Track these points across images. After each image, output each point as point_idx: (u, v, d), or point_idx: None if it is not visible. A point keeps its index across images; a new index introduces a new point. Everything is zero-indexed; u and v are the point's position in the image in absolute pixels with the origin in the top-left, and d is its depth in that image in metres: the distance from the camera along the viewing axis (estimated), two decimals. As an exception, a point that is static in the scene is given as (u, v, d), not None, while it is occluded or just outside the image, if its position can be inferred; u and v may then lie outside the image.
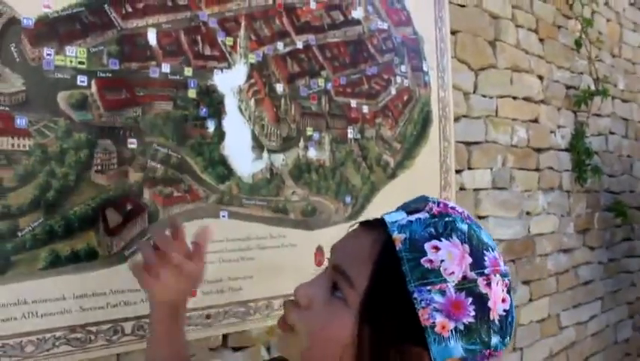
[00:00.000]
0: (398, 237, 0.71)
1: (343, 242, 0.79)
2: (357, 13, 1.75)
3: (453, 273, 0.68)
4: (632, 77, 3.52)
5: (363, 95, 1.76)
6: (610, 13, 3.32)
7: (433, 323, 0.67)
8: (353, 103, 1.73)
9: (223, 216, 1.42)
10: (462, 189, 2.15)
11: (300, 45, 1.59)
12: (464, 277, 0.68)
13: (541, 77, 2.66)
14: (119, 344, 1.26)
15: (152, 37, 1.31)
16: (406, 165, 1.89)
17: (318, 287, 0.77)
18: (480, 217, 2.22)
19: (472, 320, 0.67)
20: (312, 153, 1.62)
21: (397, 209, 0.78)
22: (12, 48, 1.13)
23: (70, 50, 1.19)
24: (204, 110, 1.39)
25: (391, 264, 0.70)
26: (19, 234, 1.12)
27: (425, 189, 1.85)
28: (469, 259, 0.69)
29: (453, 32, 2.12)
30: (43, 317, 1.15)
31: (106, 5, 1.25)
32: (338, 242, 0.80)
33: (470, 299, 0.67)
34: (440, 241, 0.69)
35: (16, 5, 1.13)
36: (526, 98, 2.55)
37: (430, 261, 0.68)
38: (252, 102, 1.48)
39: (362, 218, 1.61)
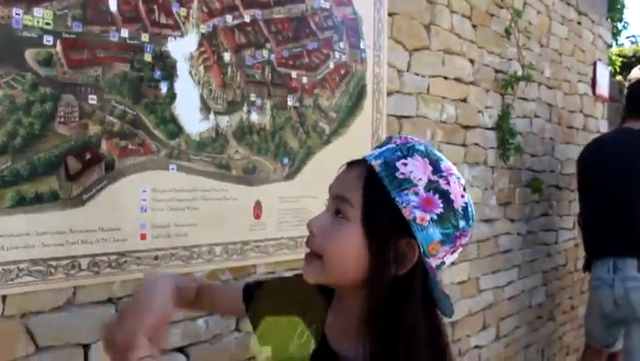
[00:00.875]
0: (375, 163, 0.92)
1: (337, 180, 0.98)
2: (301, -8, 1.91)
3: (420, 179, 0.89)
4: (558, 66, 3.72)
5: (304, 67, 1.92)
6: (540, 6, 3.50)
7: (414, 217, 0.88)
8: (294, 74, 1.89)
9: (172, 169, 1.58)
10: (392, 158, 2.32)
11: (247, 19, 1.75)
12: (429, 180, 0.89)
13: (472, 61, 2.83)
14: (75, 278, 1.40)
15: (113, 3, 1.44)
16: (340, 132, 2.06)
17: (324, 217, 0.96)
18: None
19: (441, 210, 0.89)
20: (255, 117, 1.78)
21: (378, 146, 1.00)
22: (-17, 7, 1.25)
23: (38, 12, 1.32)
24: (158, 73, 1.54)
25: (375, 182, 0.90)
26: (-11, 174, 1.26)
27: (357, 156, 2.04)
28: (430, 167, 0.90)
29: (390, 14, 2.28)
30: (8, 250, 1.29)
31: (72, -29, 1.38)
32: (333, 182, 0.99)
33: (437, 195, 0.89)
34: (406, 158, 0.91)
35: (-13, -35, 1.25)
36: (456, 79, 2.72)
37: (403, 173, 0.89)
38: (201, 68, 1.64)
39: (298, 178, 1.82)
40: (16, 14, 1.29)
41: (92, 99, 1.41)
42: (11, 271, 1.30)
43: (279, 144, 1.85)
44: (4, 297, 1.30)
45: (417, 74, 2.46)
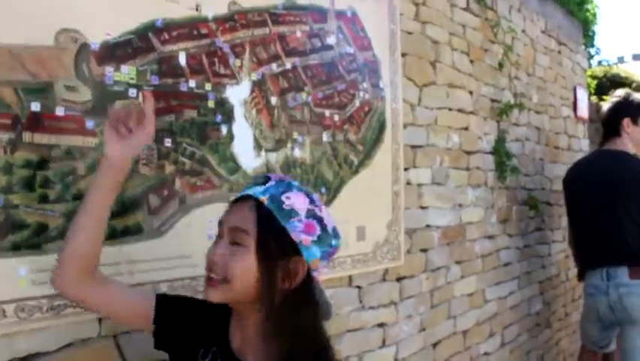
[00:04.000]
0: (263, 198, 1.12)
1: (230, 214, 1.17)
2: (330, 40, 2.13)
3: (301, 209, 1.11)
4: (543, 93, 3.99)
5: (335, 106, 2.14)
6: (526, 39, 3.78)
7: (300, 240, 1.10)
8: (327, 113, 2.11)
9: (232, 202, 1.77)
10: (408, 183, 2.53)
11: (288, 66, 1.96)
12: (307, 210, 1.12)
13: (471, 92, 3.07)
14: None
15: (182, 58, 1.65)
16: (366, 163, 2.28)
17: (222, 247, 1.15)
18: (422, 207, 2.63)
19: (319, 233, 1.12)
20: (297, 153, 1.99)
21: (250, 186, 1.20)
22: (83, 66, 1.45)
23: (125, 69, 1.52)
24: (219, 117, 1.74)
25: (266, 214, 1.11)
26: (89, 211, 1.44)
27: (380, 184, 2.26)
28: (307, 199, 1.13)
29: (402, 55, 2.51)
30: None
31: (149, 33, 1.58)
32: (225, 216, 1.18)
33: (315, 221, 1.12)
34: (287, 193, 1.13)
35: (86, 32, 1.45)
36: (459, 110, 2.96)
37: (288, 205, 1.11)
38: (253, 111, 1.84)
39: (335, 205, 2.01)
40: (108, 72, 1.48)
41: (168, 142, 1.61)
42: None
43: (317, 175, 2.05)
44: (100, 319, 1.48)
45: (426, 107, 2.70)
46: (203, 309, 1.26)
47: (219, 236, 1.18)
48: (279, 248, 1.10)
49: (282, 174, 1.92)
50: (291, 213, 1.10)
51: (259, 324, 1.14)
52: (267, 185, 1.15)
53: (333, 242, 1.14)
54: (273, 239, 1.10)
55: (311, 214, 1.12)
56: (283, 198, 1.11)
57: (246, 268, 1.11)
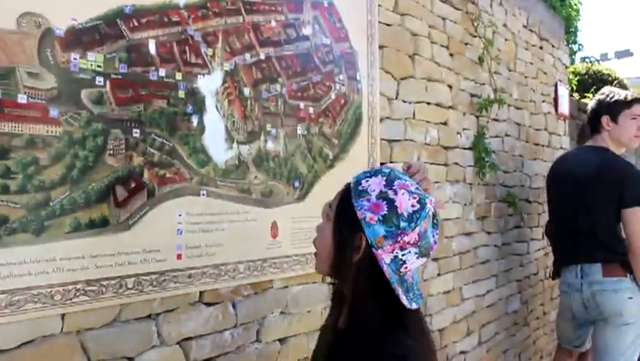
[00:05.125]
0: (351, 181, 1.26)
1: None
2: (306, 31, 2.10)
3: (374, 190, 1.20)
4: (524, 89, 3.98)
5: (310, 98, 2.11)
6: (507, 34, 3.76)
7: (365, 217, 1.19)
8: (302, 105, 2.07)
9: (203, 194, 1.74)
10: (385, 179, 2.51)
11: (262, 56, 1.93)
12: (380, 191, 1.20)
13: (450, 87, 3.05)
14: (123, 296, 1.54)
15: (152, 47, 1.61)
16: (341, 157, 2.25)
17: (321, 222, 1.31)
18: (399, 203, 2.60)
19: (385, 212, 1.18)
20: (270, 145, 1.95)
21: None
22: (48, 52, 1.40)
23: (91, 56, 1.48)
24: (190, 107, 1.70)
25: (347, 193, 1.24)
26: (51, 204, 1.40)
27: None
28: (384, 182, 1.21)
29: (380, 47, 2.48)
30: (68, 272, 1.42)
31: (118, 19, 1.54)
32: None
33: (384, 202, 1.19)
34: (370, 177, 1.23)
35: (50, 17, 1.40)
36: (438, 104, 2.93)
37: (363, 186, 1.21)
38: (225, 102, 1.80)
39: (308, 200, 1.98)
40: (74, 59, 1.44)
41: (136, 133, 1.57)
42: (70, 291, 1.44)
43: (291, 169, 2.02)
44: (63, 315, 1.44)
45: (404, 101, 2.67)
46: None
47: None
48: (346, 223, 1.21)
49: (255, 166, 1.89)
50: (362, 192, 1.20)
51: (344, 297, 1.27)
52: (362, 170, 1.28)
53: (402, 224, 1.18)
54: (344, 215, 1.22)
55: (382, 196, 1.19)
56: (363, 181, 1.22)
57: (325, 239, 1.25)
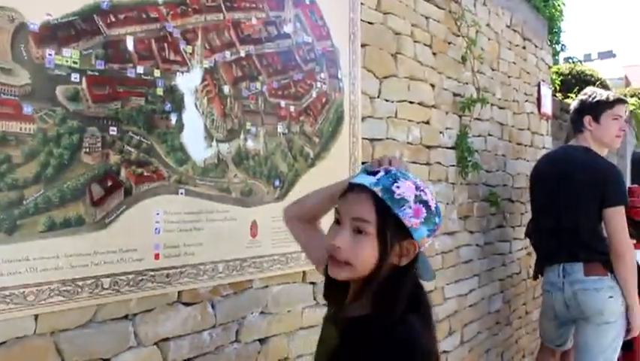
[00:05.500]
0: (377, 189, 1.24)
1: (349, 204, 1.28)
2: (287, 29, 2.08)
3: (410, 195, 1.24)
4: (507, 88, 3.98)
5: (291, 97, 2.09)
6: (491, 33, 3.76)
7: (411, 224, 1.23)
8: (282, 103, 2.06)
9: (181, 193, 1.72)
10: (367, 178, 2.49)
11: (243, 54, 1.91)
12: (415, 195, 1.24)
13: (433, 86, 3.04)
14: (99, 297, 1.52)
15: (130, 43, 1.58)
16: (322, 156, 2.23)
17: (345, 234, 1.26)
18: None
19: (425, 215, 1.25)
20: (250, 144, 1.93)
21: (359, 175, 1.31)
22: (21, 48, 1.38)
23: (67, 52, 1.45)
24: (169, 105, 1.68)
25: (382, 204, 1.23)
26: (24, 202, 1.37)
27: (337, 177, 2.21)
28: (413, 186, 1.25)
29: (362, 45, 2.46)
30: (41, 272, 1.40)
31: (95, 15, 1.51)
32: (343, 205, 1.30)
33: (422, 205, 1.24)
34: (397, 182, 1.24)
35: (24, 12, 1.38)
36: (420, 103, 2.92)
37: (398, 194, 1.23)
38: (205, 100, 1.78)
39: (288, 199, 1.97)
40: (49, 54, 1.42)
41: (113, 130, 1.54)
42: (43, 292, 1.41)
43: (271, 167, 2.00)
44: (37, 316, 1.41)
45: (386, 100, 2.65)
46: None
47: (338, 222, 1.30)
48: (394, 234, 1.23)
49: (234, 165, 1.87)
50: (402, 201, 1.22)
51: (366, 291, 1.29)
52: (378, 176, 1.26)
53: (437, 220, 1.28)
54: (390, 227, 1.23)
55: (418, 199, 1.24)
56: (394, 188, 1.23)
57: (368, 254, 1.24)
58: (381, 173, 1.28)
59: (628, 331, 2.98)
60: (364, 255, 1.25)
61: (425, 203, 1.25)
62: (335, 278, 1.31)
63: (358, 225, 1.26)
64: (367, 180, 1.27)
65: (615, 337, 2.95)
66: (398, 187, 1.24)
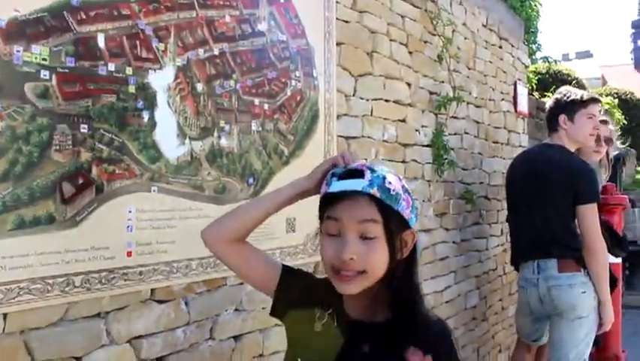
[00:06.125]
0: (374, 190, 1.21)
1: (347, 211, 1.22)
2: (262, 26, 2.08)
3: (399, 188, 1.23)
4: (483, 87, 4.01)
5: (265, 95, 2.09)
6: (467, 33, 3.79)
7: (408, 216, 1.25)
8: (256, 101, 2.06)
9: (154, 191, 1.71)
10: (343, 175, 2.50)
11: (216, 52, 1.91)
12: (402, 186, 1.25)
13: (409, 84, 3.06)
14: (70, 295, 1.51)
15: (101, 40, 1.58)
16: (297, 154, 2.24)
17: (354, 243, 1.22)
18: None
19: (412, 202, 1.26)
20: (224, 142, 1.93)
21: (336, 181, 1.27)
22: (-12, 45, 1.37)
23: (36, 48, 1.44)
24: (141, 103, 1.68)
25: (382, 203, 1.21)
26: (-8, 200, 1.36)
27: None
28: (396, 177, 1.25)
29: (338, 44, 2.47)
30: (10, 270, 1.39)
31: (64, 12, 1.50)
32: (340, 213, 1.23)
33: (408, 194, 1.25)
34: (386, 178, 1.22)
35: (-10, 8, 1.37)
36: (396, 101, 2.94)
37: (393, 190, 1.21)
38: (177, 98, 1.78)
39: (263, 197, 1.95)
40: (17, 51, 1.40)
41: (84, 128, 1.54)
42: (12, 290, 1.40)
43: (245, 165, 2.00)
44: (5, 315, 1.40)
45: (362, 98, 2.66)
46: (320, 283, 1.36)
47: (332, 233, 1.25)
48: (398, 230, 1.24)
49: (208, 163, 1.87)
50: (397, 196, 1.22)
51: (376, 292, 1.26)
52: (369, 178, 1.22)
53: (417, 205, 1.38)
54: (395, 224, 1.22)
55: (405, 190, 1.25)
56: (387, 185, 1.21)
57: (381, 256, 1.22)
58: (367, 173, 1.23)
59: (600, 325, 3.02)
60: (378, 259, 1.22)
61: (408, 191, 1.27)
62: (349, 293, 1.25)
63: (367, 228, 1.21)
64: (359, 185, 1.22)
65: (588, 332, 2.99)
66: (390, 183, 1.22)
